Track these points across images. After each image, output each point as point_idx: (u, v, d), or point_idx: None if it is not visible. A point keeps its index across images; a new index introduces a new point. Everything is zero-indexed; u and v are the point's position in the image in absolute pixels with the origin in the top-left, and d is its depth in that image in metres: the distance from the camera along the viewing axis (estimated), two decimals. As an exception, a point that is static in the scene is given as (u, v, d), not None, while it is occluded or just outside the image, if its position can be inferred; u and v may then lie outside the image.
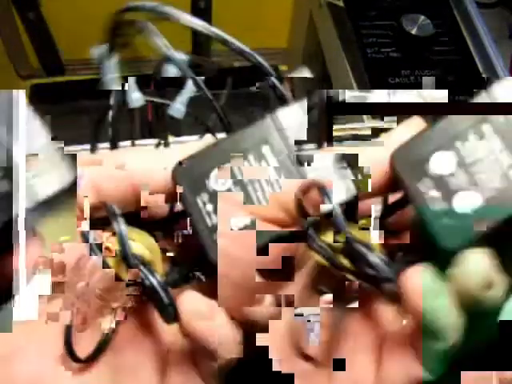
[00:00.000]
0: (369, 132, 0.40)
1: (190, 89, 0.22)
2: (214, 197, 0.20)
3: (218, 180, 0.20)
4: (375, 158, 0.20)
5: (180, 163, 0.20)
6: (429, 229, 0.19)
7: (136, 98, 0.23)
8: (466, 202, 0.19)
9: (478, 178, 0.19)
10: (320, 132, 0.21)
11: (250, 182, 0.20)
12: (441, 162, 0.19)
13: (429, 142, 0.20)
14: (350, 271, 0.20)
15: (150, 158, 0.21)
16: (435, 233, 0.19)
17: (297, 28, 0.64)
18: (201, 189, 0.20)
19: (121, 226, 0.20)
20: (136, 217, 0.22)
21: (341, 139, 0.40)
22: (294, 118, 0.21)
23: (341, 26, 0.48)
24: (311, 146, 0.21)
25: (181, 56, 0.21)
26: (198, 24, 0.21)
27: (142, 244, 0.21)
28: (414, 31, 0.45)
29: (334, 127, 0.43)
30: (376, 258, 0.19)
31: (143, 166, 0.21)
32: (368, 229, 0.21)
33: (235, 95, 0.47)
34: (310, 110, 0.21)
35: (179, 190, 0.20)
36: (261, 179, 0.20)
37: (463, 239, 0.19)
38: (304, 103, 0.21)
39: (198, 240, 0.20)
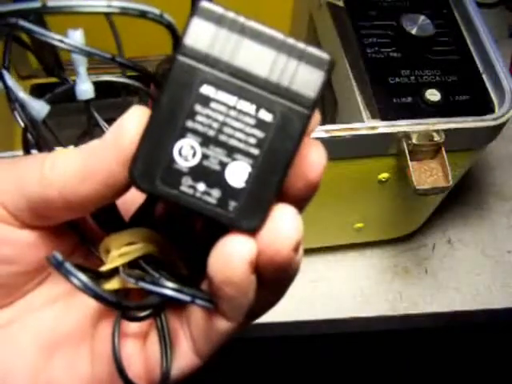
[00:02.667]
0: (369, 132, 0.40)
1: (80, 62, 0.20)
2: (196, 173, 0.18)
3: (185, 156, 0.17)
4: (93, 166, 0.18)
5: (131, 170, 0.18)
6: (225, 221, 0.18)
7: (84, 89, 0.21)
8: (240, 174, 0.17)
9: (234, 143, 0.17)
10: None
11: (219, 132, 0.18)
12: (185, 153, 0.17)
13: (160, 139, 0.17)
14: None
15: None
16: (233, 222, 0.18)
17: (297, 28, 0.64)
18: (177, 177, 0.18)
19: (77, 275, 0.18)
20: (115, 218, 0.22)
21: (341, 139, 0.40)
22: (204, 35, 0.17)
23: (341, 26, 0.48)
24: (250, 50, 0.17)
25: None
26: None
27: (144, 242, 0.21)
28: (413, 31, 0.45)
29: (334, 127, 0.43)
30: (170, 291, 0.19)
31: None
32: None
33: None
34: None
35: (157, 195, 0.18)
36: (226, 120, 0.17)
37: (261, 212, 0.18)
38: (201, 11, 0.17)
39: (214, 222, 0.18)
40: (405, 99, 0.43)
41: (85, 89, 0.21)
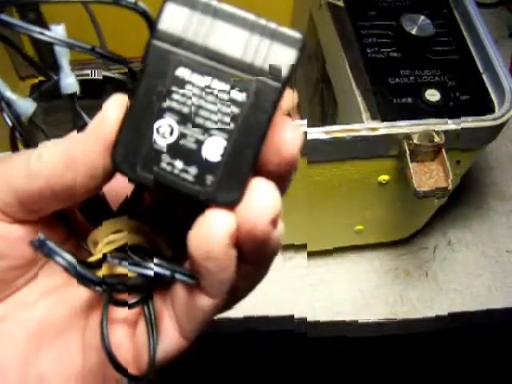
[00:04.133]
0: (369, 133, 0.40)
1: (63, 54, 0.20)
2: (174, 151, 0.18)
3: (163, 134, 0.18)
4: (76, 155, 0.19)
5: (113, 156, 0.18)
6: (202, 198, 0.18)
7: (68, 83, 0.21)
8: (216, 148, 0.18)
9: (210, 121, 0.18)
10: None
11: (195, 112, 0.18)
12: (163, 131, 0.18)
13: (139, 123, 0.18)
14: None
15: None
16: (211, 197, 0.18)
17: (297, 28, 0.64)
18: (157, 157, 0.18)
19: (62, 254, 0.18)
20: (104, 210, 0.22)
21: (341, 140, 0.40)
22: (177, 19, 0.18)
23: (341, 26, 0.48)
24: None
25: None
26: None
27: (130, 231, 0.21)
28: (414, 31, 0.45)
29: (334, 128, 0.43)
30: (151, 269, 0.19)
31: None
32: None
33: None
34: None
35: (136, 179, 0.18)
36: (201, 100, 0.18)
37: (238, 186, 0.18)
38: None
39: (192, 200, 0.18)
40: (405, 99, 0.43)
41: (69, 82, 0.21)
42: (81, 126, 0.22)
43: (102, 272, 0.21)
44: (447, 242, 0.60)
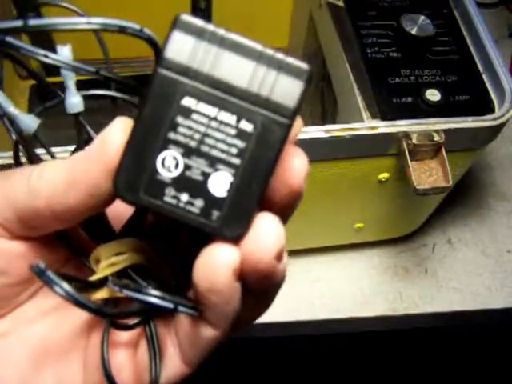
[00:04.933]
0: (369, 132, 0.40)
1: (69, 76, 0.20)
2: (180, 184, 0.18)
3: (168, 167, 0.18)
4: (77, 176, 0.19)
5: (115, 182, 0.18)
6: (208, 231, 0.18)
7: (74, 103, 0.21)
8: (222, 183, 0.18)
9: (216, 153, 0.18)
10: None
11: (200, 143, 0.18)
12: (168, 164, 0.18)
13: (142, 151, 0.18)
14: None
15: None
16: (217, 231, 0.18)
17: (297, 28, 0.64)
18: (160, 187, 0.18)
19: (60, 284, 0.18)
20: (106, 229, 0.22)
21: (341, 139, 0.40)
22: (184, 48, 0.17)
23: (341, 26, 0.48)
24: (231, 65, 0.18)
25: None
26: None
27: (133, 252, 0.21)
28: (414, 31, 0.45)
29: (334, 127, 0.43)
30: (154, 298, 0.19)
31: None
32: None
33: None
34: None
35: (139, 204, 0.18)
36: (207, 131, 0.18)
37: (244, 221, 0.18)
38: (181, 24, 0.17)
39: (198, 232, 0.18)
40: (405, 99, 0.43)
41: (74, 102, 0.21)
42: (84, 142, 0.22)
43: (104, 294, 0.21)
44: (447, 240, 0.60)
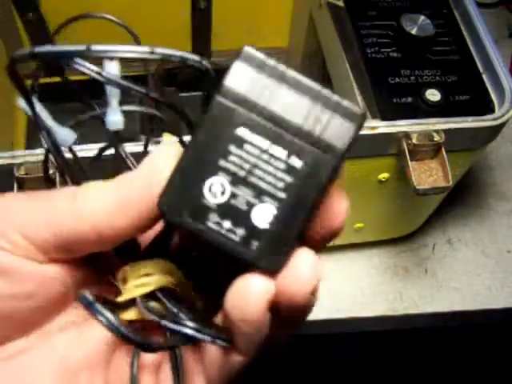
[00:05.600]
0: (369, 132, 0.40)
1: (114, 93, 0.20)
2: (224, 211, 0.18)
3: (215, 193, 0.18)
4: (129, 198, 0.19)
5: (160, 202, 0.18)
6: (247, 260, 0.18)
7: (115, 120, 0.21)
8: (265, 215, 0.18)
9: (263, 185, 0.18)
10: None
11: (249, 173, 0.18)
12: (214, 190, 0.18)
13: (191, 174, 0.18)
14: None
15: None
16: (255, 261, 0.18)
17: (297, 28, 0.64)
18: (204, 212, 0.18)
19: (107, 316, 0.18)
20: (133, 247, 0.22)
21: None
22: (244, 79, 0.18)
23: (341, 26, 0.48)
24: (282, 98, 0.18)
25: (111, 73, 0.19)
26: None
27: (161, 274, 0.21)
28: (414, 31, 0.45)
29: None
30: (190, 330, 0.19)
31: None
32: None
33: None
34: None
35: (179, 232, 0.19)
36: (257, 162, 0.18)
37: (282, 254, 0.18)
38: (244, 56, 0.18)
39: (236, 259, 0.18)
40: (405, 99, 0.43)
41: (116, 120, 0.21)
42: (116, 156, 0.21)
43: (131, 315, 0.21)
44: (447, 240, 0.60)
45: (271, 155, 0.18)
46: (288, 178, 0.18)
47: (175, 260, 0.21)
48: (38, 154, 0.36)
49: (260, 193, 0.18)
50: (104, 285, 0.23)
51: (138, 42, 0.21)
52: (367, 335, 0.60)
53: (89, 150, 0.36)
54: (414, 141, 0.41)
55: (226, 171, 0.18)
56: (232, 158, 0.18)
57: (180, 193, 0.18)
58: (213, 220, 0.18)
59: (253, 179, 0.18)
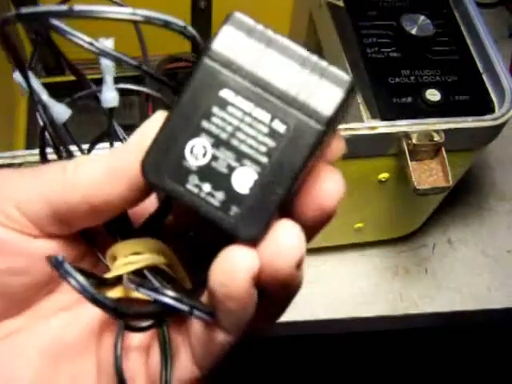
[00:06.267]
0: (369, 132, 0.40)
1: (108, 70, 0.20)
2: (204, 173, 0.18)
3: (196, 155, 0.18)
4: (118, 166, 0.19)
5: (143, 162, 0.18)
6: (224, 225, 0.18)
7: (110, 97, 0.21)
8: (246, 180, 0.17)
9: (244, 149, 0.18)
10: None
11: (231, 136, 0.18)
12: (196, 152, 0.18)
13: (174, 136, 0.18)
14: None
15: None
16: (233, 228, 0.18)
17: (297, 28, 0.64)
18: (184, 174, 0.18)
19: (76, 277, 0.18)
20: (125, 225, 0.22)
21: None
22: (231, 42, 0.18)
23: (341, 26, 0.48)
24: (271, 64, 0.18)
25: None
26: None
27: (150, 253, 0.21)
28: (414, 31, 0.45)
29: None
30: (169, 299, 0.19)
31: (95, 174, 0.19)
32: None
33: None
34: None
35: (161, 190, 0.18)
36: (240, 125, 0.18)
37: (262, 222, 0.18)
38: (233, 20, 0.18)
39: (214, 225, 0.18)
40: (405, 99, 0.43)
41: (111, 97, 0.21)
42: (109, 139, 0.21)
43: (117, 293, 0.21)
44: (447, 240, 0.60)
45: (254, 118, 0.17)
46: (271, 143, 0.17)
47: (168, 240, 0.21)
48: (37, 154, 0.36)
49: (241, 156, 0.18)
50: (98, 266, 0.23)
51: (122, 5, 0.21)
52: (367, 335, 0.60)
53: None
54: (414, 141, 0.41)
55: (209, 133, 0.18)
56: (215, 119, 0.18)
57: (162, 154, 0.18)
58: (192, 182, 0.18)
59: (235, 142, 0.18)
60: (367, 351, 0.81)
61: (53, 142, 0.21)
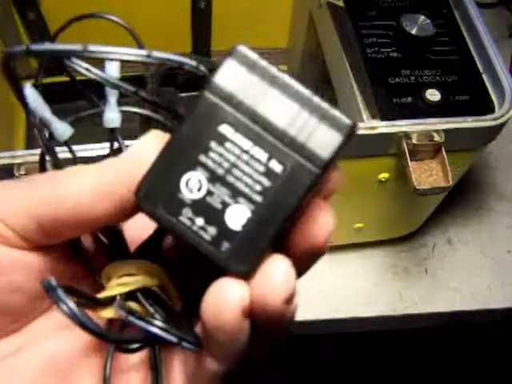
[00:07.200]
0: (369, 132, 0.40)
1: (112, 92, 0.21)
2: (198, 207, 0.18)
3: (191, 188, 0.18)
4: (108, 185, 0.19)
5: (138, 190, 0.18)
6: (215, 260, 0.18)
7: (112, 118, 0.21)
8: (239, 217, 0.18)
9: (240, 186, 0.18)
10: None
11: (228, 172, 0.18)
12: (191, 185, 0.18)
13: (171, 166, 0.18)
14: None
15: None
16: (223, 263, 0.18)
17: (297, 28, 0.64)
18: (178, 206, 0.18)
19: (67, 302, 0.18)
20: (121, 246, 0.22)
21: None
22: (234, 77, 0.18)
23: (341, 26, 0.48)
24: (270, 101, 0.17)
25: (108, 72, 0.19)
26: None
27: (143, 275, 0.21)
28: (414, 31, 0.45)
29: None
30: (157, 329, 0.19)
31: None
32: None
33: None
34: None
35: (155, 218, 0.18)
36: (237, 162, 0.18)
37: (253, 259, 0.18)
38: (236, 54, 0.18)
39: (205, 258, 0.18)
40: (405, 99, 0.43)
41: (113, 117, 0.21)
42: (112, 152, 0.21)
43: (110, 313, 0.21)
44: (447, 240, 0.60)
45: (252, 156, 0.17)
46: (266, 182, 0.17)
47: (164, 263, 0.21)
48: (37, 153, 0.36)
49: (236, 193, 0.18)
50: (96, 286, 0.22)
51: (140, 46, 0.21)
52: (367, 335, 0.60)
53: (88, 150, 0.36)
54: (414, 141, 0.41)
55: (205, 167, 0.18)
56: (212, 154, 0.18)
57: (157, 183, 0.18)
58: (186, 215, 0.18)
59: (231, 179, 0.18)
60: (367, 351, 0.81)
61: (53, 163, 0.21)
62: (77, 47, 0.18)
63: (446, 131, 0.41)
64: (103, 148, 0.36)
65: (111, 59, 0.18)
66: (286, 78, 0.18)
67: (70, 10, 0.59)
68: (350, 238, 0.57)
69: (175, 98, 0.61)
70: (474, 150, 0.46)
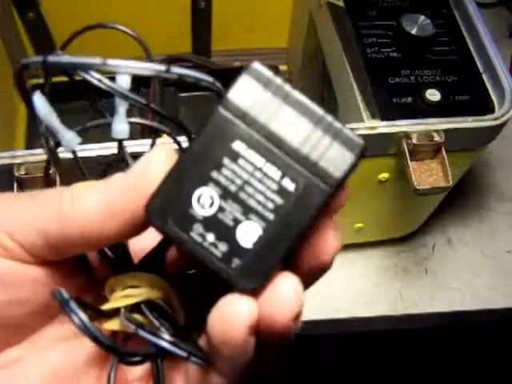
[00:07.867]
0: (369, 132, 0.40)
1: (122, 102, 0.20)
2: (209, 224, 0.18)
3: (203, 204, 0.18)
4: (116, 204, 0.18)
5: (148, 205, 0.18)
6: (224, 276, 0.18)
7: (121, 129, 0.21)
8: (250, 234, 0.18)
9: (252, 203, 0.18)
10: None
11: (240, 189, 0.18)
12: (203, 201, 0.18)
13: (183, 182, 0.18)
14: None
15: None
16: (233, 280, 0.18)
17: (297, 28, 0.64)
18: (190, 222, 0.18)
19: (79, 315, 0.18)
20: (125, 258, 0.22)
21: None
22: (248, 94, 0.18)
23: (341, 26, 0.48)
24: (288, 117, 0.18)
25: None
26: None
27: (147, 287, 0.21)
28: (414, 31, 0.45)
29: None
30: (167, 344, 0.19)
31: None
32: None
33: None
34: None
35: (166, 235, 0.18)
36: (249, 179, 0.18)
37: (262, 276, 0.18)
38: (251, 71, 0.18)
39: (214, 274, 0.18)
40: (405, 99, 0.43)
41: (121, 129, 0.21)
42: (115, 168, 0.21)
43: (114, 325, 0.21)
44: (447, 240, 0.60)
45: (265, 174, 0.17)
46: (278, 200, 0.17)
47: (167, 276, 0.21)
48: (37, 153, 0.36)
49: (248, 210, 0.18)
50: (99, 298, 0.22)
51: (149, 55, 0.21)
52: (367, 335, 0.60)
53: (89, 150, 0.36)
54: (414, 141, 0.41)
55: (217, 184, 0.18)
56: (225, 171, 0.18)
57: (168, 199, 0.18)
58: (197, 231, 0.18)
59: (243, 196, 0.18)
60: (367, 351, 0.80)
61: (58, 173, 0.21)
62: (96, 61, 0.18)
63: (446, 131, 0.41)
64: (103, 148, 0.36)
65: (129, 73, 0.18)
66: (300, 97, 0.18)
67: (70, 10, 0.59)
68: (350, 238, 0.57)
69: (175, 98, 0.61)
70: (474, 150, 0.46)
